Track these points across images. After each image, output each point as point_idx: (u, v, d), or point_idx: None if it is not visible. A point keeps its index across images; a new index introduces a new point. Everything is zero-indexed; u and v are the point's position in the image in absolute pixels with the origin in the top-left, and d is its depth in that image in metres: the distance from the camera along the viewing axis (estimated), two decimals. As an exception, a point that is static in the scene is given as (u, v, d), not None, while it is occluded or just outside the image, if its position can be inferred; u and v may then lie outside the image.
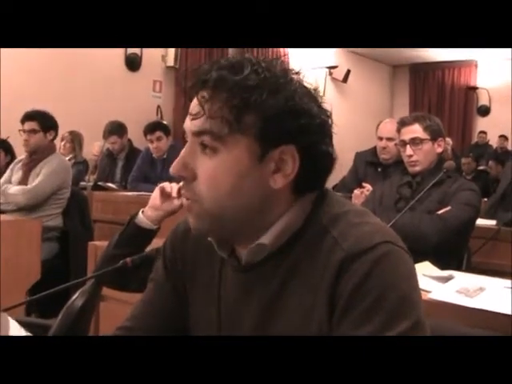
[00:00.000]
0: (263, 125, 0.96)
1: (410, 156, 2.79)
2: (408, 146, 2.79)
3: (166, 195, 1.87)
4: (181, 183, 1.83)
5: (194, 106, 0.99)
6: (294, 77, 1.01)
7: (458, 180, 2.83)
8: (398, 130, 2.88)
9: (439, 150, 2.81)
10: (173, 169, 1.01)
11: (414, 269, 1.00)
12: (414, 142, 2.78)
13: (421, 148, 2.77)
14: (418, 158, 2.78)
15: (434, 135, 2.79)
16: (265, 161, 0.98)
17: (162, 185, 1.89)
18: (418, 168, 2.79)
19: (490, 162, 8.74)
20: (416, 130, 2.79)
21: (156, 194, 1.89)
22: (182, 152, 1.02)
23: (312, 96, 1.02)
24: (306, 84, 1.03)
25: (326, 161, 1.04)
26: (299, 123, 0.98)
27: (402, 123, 2.86)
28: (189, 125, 1.01)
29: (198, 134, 0.99)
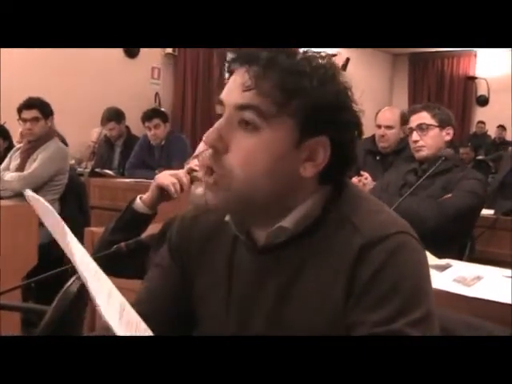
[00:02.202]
0: (309, 112, 0.97)
1: (416, 141, 2.81)
2: (414, 132, 2.82)
3: (165, 195, 1.87)
4: (181, 170, 1.83)
5: (244, 78, 0.97)
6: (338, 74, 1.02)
7: (465, 170, 2.85)
8: (408, 120, 2.91)
9: (447, 138, 2.83)
10: (206, 138, 0.99)
11: (427, 259, 1.01)
12: (421, 127, 2.81)
13: (426, 134, 2.79)
14: (424, 143, 2.80)
15: (442, 123, 2.81)
16: (300, 147, 0.99)
17: (161, 184, 1.86)
18: (423, 153, 2.81)
19: (511, 148, 8.71)
20: (423, 117, 2.82)
21: (155, 191, 1.87)
22: (218, 123, 1.00)
23: (352, 95, 1.03)
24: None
25: (353, 157, 1.05)
26: (341, 118, 0.99)
27: (412, 111, 2.92)
28: (234, 96, 0.98)
29: (244, 107, 0.97)
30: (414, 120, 2.85)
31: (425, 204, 2.63)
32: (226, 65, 1.03)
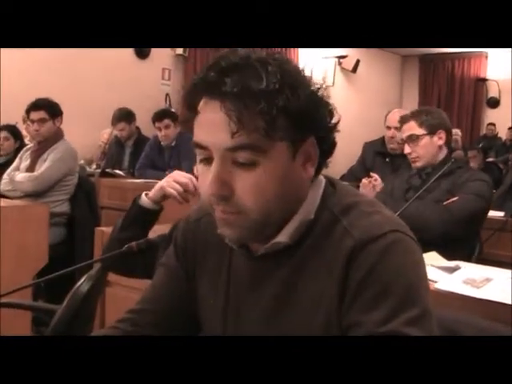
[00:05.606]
0: (292, 124, 0.97)
1: (409, 153, 2.83)
2: (406, 145, 2.84)
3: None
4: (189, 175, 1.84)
5: (221, 117, 0.94)
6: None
7: (469, 171, 2.85)
8: (401, 128, 2.92)
9: (440, 142, 2.82)
10: (212, 189, 0.97)
11: (423, 258, 1.02)
12: (411, 138, 2.82)
13: (417, 144, 2.81)
14: (417, 154, 2.82)
15: (432, 129, 2.81)
16: (297, 156, 1.00)
17: (168, 193, 1.87)
18: (419, 164, 2.83)
19: None
20: (412, 127, 2.83)
21: (158, 193, 1.88)
22: (216, 170, 0.97)
23: (319, 86, 1.04)
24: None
25: (334, 142, 1.07)
26: (318, 115, 1.01)
27: (402, 120, 2.92)
28: (220, 139, 0.95)
29: (237, 148, 0.95)
30: (405, 130, 2.86)
31: (431, 209, 2.63)
32: (189, 97, 1.00)
